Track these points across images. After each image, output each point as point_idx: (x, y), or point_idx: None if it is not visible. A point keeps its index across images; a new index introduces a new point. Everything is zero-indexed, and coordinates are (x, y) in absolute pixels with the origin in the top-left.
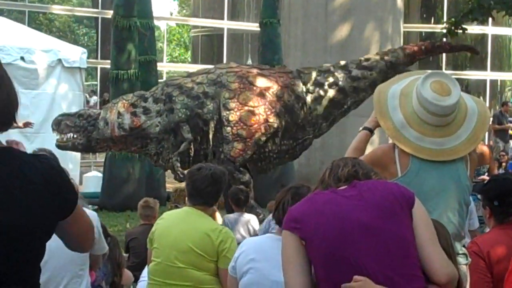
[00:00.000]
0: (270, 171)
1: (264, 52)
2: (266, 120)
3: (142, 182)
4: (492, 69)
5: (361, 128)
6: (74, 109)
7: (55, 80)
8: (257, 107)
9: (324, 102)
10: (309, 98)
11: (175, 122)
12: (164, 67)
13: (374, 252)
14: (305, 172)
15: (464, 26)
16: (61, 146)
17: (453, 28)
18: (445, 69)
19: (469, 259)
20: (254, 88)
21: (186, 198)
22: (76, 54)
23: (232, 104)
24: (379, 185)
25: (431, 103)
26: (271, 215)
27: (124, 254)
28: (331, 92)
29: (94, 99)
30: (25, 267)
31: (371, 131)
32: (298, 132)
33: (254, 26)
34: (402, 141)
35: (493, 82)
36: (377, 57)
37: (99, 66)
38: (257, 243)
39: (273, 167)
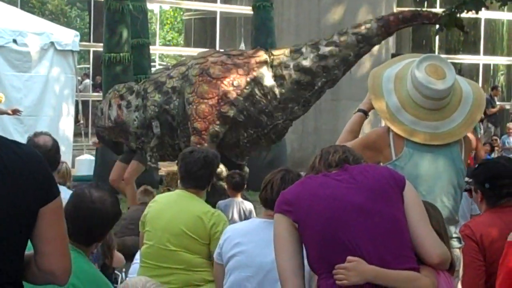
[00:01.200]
0: (252, 155)
1: (257, 36)
2: (220, 111)
3: None
4: (485, 53)
5: (355, 110)
6: (66, 92)
7: (47, 63)
8: (211, 98)
9: (291, 85)
10: (274, 83)
11: (148, 118)
12: (157, 50)
13: (367, 233)
14: (298, 156)
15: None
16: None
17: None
18: (438, 53)
19: (463, 243)
20: (211, 80)
21: (179, 181)
22: (68, 37)
23: (191, 99)
24: (370, 169)
25: (425, 87)
26: None
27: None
28: (297, 75)
29: (87, 82)
30: (6, 257)
31: (365, 113)
32: (266, 118)
33: (247, 10)
34: (397, 125)
35: (486, 66)
36: (350, 31)
37: (91, 49)
38: (241, 227)
39: (251, 153)
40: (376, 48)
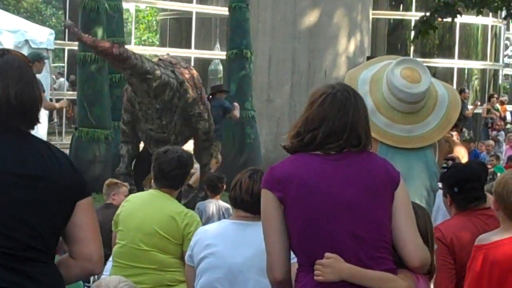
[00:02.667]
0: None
1: (233, 37)
2: (122, 113)
3: (108, 164)
4: (460, 58)
5: None
6: None
7: None
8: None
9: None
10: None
11: None
12: (132, 49)
13: (349, 231)
14: (272, 157)
15: (433, 24)
16: None
17: (422, 29)
18: (413, 57)
19: (435, 246)
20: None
21: (152, 181)
22: (43, 35)
23: None
24: (369, 161)
25: (400, 90)
26: None
27: None
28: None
29: (61, 80)
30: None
31: None
32: (140, 124)
33: (223, 10)
34: (371, 128)
35: (460, 70)
36: None
37: (66, 48)
38: (211, 229)
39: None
40: (351, 51)
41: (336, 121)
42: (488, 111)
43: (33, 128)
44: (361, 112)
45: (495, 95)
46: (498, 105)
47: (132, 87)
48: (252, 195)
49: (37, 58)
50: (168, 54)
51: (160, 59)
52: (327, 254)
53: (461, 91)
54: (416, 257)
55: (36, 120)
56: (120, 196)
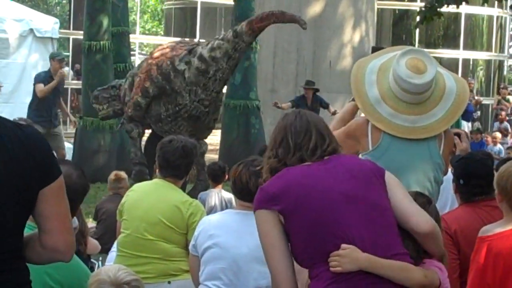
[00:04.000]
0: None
1: None
2: (143, 85)
3: (113, 154)
4: (465, 48)
5: (350, 99)
6: None
7: (26, 50)
8: (142, 73)
9: (193, 70)
10: (185, 67)
11: None
12: (137, 39)
13: (356, 221)
14: None
15: (439, 10)
16: (104, 117)
17: (427, 15)
18: (418, 47)
19: None
20: (149, 59)
21: (157, 170)
22: (48, 24)
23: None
24: (353, 159)
25: (404, 81)
26: None
27: (93, 224)
28: (197, 62)
29: (66, 70)
30: (7, 238)
31: None
32: (177, 98)
33: (228, 0)
34: (375, 117)
35: (466, 61)
36: (231, 28)
37: (71, 37)
38: (215, 219)
39: (175, 129)
40: (356, 41)
41: (297, 125)
42: (499, 102)
43: None
44: (316, 118)
45: (505, 86)
46: (508, 97)
47: (237, 54)
48: (253, 184)
49: (54, 56)
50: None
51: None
52: (343, 245)
53: None
54: (423, 222)
55: None
56: (126, 186)
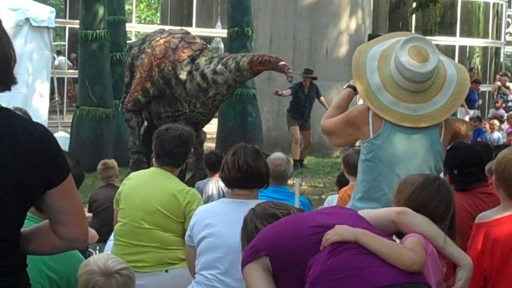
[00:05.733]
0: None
1: (234, 15)
2: (144, 85)
3: (110, 143)
4: (461, 35)
5: (345, 86)
6: (41, 69)
7: (22, 39)
8: (144, 70)
9: (194, 85)
10: (186, 78)
11: None
12: (133, 27)
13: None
14: (274, 135)
15: None
16: None
17: (423, 2)
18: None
19: None
20: (150, 57)
21: (153, 159)
22: (44, 13)
23: (138, 67)
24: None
25: (406, 69)
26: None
27: (88, 214)
28: (199, 78)
29: (61, 59)
30: (6, 229)
31: (355, 90)
32: (176, 104)
33: None
34: (376, 104)
35: (462, 48)
36: (233, 59)
37: (67, 26)
38: (210, 208)
39: None
40: (353, 28)
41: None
42: (499, 89)
43: (9, 89)
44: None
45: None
46: (509, 84)
47: (237, 85)
48: (239, 169)
49: None
50: (168, 31)
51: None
52: (337, 226)
53: (469, 70)
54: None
55: (11, 79)
56: (115, 174)
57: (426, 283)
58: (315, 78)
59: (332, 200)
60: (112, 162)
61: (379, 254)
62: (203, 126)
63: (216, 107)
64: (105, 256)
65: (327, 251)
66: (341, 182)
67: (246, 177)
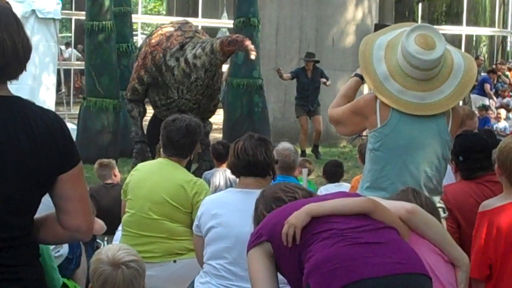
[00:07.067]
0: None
1: (240, 5)
2: (139, 73)
3: (117, 134)
4: (468, 24)
5: (352, 75)
6: (48, 61)
7: (28, 31)
8: (141, 59)
9: (180, 70)
10: (174, 64)
11: None
12: (139, 18)
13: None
14: (281, 125)
15: None
16: None
17: None
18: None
19: (447, 213)
20: (147, 46)
21: (161, 150)
22: (50, 5)
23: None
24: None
25: (413, 57)
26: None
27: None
28: (183, 63)
29: (70, 50)
30: (21, 216)
31: (362, 79)
32: (168, 91)
33: None
34: (383, 93)
35: (469, 37)
36: (211, 41)
37: (73, 17)
38: (217, 198)
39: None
40: (359, 18)
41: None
42: (499, 78)
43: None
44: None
45: (502, 61)
46: (507, 72)
47: (213, 68)
48: (237, 156)
49: None
50: (171, 22)
51: (180, 27)
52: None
53: (476, 58)
54: None
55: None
56: (116, 172)
57: (424, 274)
58: (317, 61)
59: (322, 192)
60: (106, 161)
61: (337, 211)
62: (202, 111)
63: (202, 94)
64: (117, 247)
65: (320, 240)
66: (328, 173)
67: (245, 164)
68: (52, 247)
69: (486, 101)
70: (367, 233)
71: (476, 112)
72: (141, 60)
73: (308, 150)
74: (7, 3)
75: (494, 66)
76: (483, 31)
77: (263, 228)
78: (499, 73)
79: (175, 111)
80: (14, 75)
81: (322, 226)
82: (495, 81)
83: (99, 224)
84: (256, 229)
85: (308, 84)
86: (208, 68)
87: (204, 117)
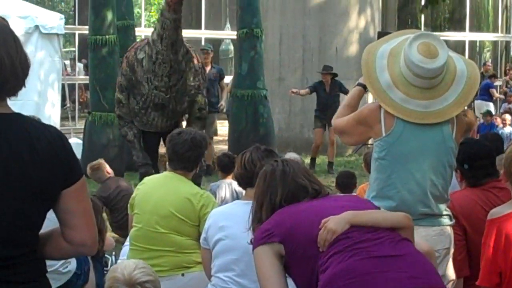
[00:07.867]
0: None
1: (243, 16)
2: (118, 80)
3: (123, 148)
4: (471, 30)
5: (355, 84)
6: (52, 76)
7: (32, 47)
8: (121, 69)
9: (147, 58)
10: (143, 56)
11: None
12: (142, 32)
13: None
14: (286, 136)
15: None
16: None
17: None
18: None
19: (453, 220)
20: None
21: (167, 163)
22: (53, 20)
23: None
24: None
25: (416, 65)
26: None
27: None
28: (147, 48)
29: (80, 65)
30: (27, 232)
31: (365, 88)
32: (140, 88)
33: None
34: (387, 102)
35: (472, 43)
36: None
37: (77, 32)
38: (225, 211)
39: (149, 121)
40: (362, 26)
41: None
42: (507, 83)
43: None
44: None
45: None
46: None
47: (167, 32)
48: (244, 167)
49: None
50: None
51: None
52: (326, 224)
53: (484, 64)
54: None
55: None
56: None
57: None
58: (335, 75)
59: None
60: (98, 162)
61: (377, 224)
62: (178, 109)
63: (168, 75)
64: (133, 265)
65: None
66: (341, 185)
67: (252, 175)
68: (60, 262)
69: (491, 107)
70: (384, 245)
71: (480, 118)
72: (120, 70)
73: (319, 160)
74: (4, 20)
75: (505, 71)
76: (487, 37)
77: (275, 228)
78: (508, 78)
79: (152, 109)
80: (13, 92)
81: (339, 235)
82: (504, 87)
83: (110, 241)
84: (267, 226)
85: (327, 98)
86: (162, 34)
87: (190, 123)
